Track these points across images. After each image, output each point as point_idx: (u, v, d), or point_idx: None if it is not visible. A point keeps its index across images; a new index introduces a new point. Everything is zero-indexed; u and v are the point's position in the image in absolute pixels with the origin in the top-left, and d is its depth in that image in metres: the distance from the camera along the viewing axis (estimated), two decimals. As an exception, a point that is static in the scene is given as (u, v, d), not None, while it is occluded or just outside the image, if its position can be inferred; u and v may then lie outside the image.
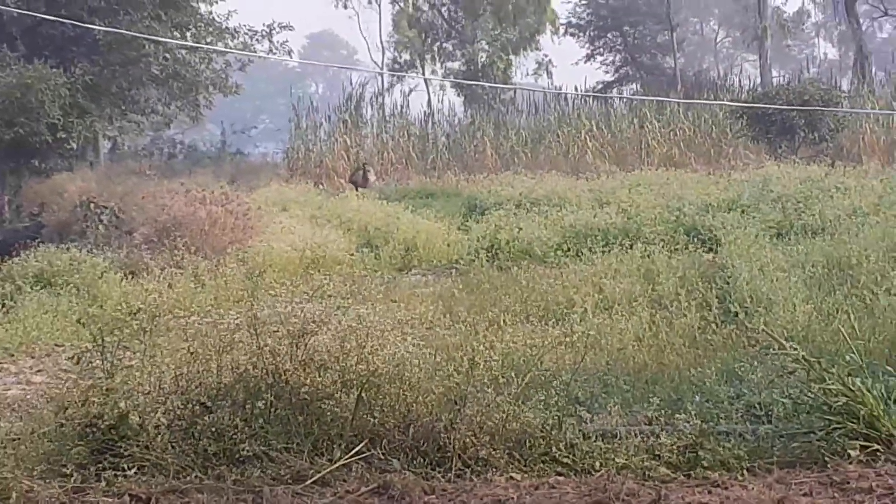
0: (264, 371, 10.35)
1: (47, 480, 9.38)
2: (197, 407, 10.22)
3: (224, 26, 42.34)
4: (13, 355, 16.60)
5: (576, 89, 63.43)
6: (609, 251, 22.14)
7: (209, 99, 43.53)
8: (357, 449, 9.68)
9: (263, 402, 10.10)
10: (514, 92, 62.07)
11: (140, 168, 40.35)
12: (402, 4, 72.10)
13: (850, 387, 9.84)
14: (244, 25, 44.03)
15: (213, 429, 9.90)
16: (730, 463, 9.60)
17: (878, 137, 53.46)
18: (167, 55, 39.27)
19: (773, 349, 11.59)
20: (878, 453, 9.53)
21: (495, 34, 68.28)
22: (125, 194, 30.96)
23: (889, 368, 10.82)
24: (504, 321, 14.85)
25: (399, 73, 70.48)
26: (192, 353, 10.88)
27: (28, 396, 12.75)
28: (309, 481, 9.25)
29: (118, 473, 9.53)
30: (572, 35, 76.84)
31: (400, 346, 10.84)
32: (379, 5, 74.21)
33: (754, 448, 9.84)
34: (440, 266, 25.39)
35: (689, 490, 8.98)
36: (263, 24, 45.38)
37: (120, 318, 14.67)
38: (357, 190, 41.09)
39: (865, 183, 33.72)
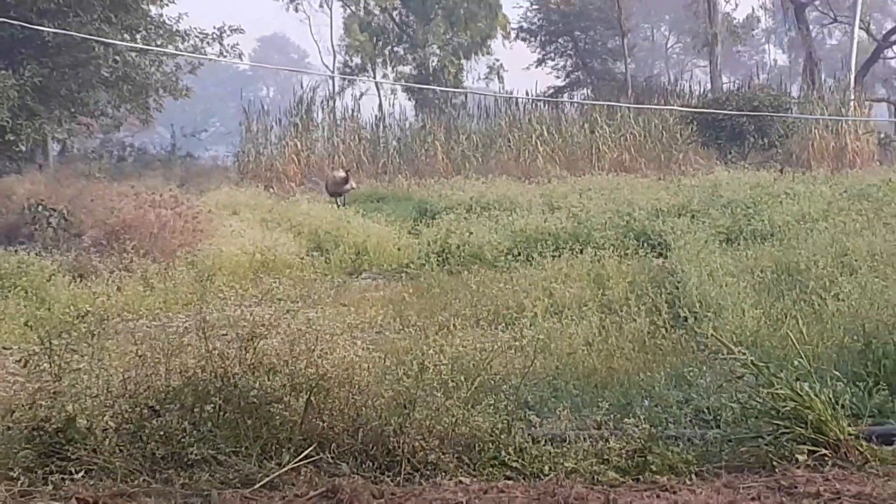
0: (213, 375, 10.33)
1: (-7, 484, 9.35)
2: (145, 410, 10.20)
3: (174, 29, 42.28)
4: (-40, 358, 16.53)
5: (527, 94, 63.55)
6: (559, 256, 22.20)
7: (159, 102, 43.44)
8: (306, 453, 9.67)
9: (212, 405, 10.07)
10: (466, 96, 62.15)
11: (89, 171, 40.17)
12: (353, 8, 72.02)
13: (799, 392, 9.89)
14: (195, 28, 44.04)
15: (162, 432, 9.88)
16: (678, 467, 9.64)
17: (828, 143, 53.76)
18: (117, 58, 39.14)
19: (722, 354, 11.66)
20: (826, 458, 9.59)
21: (447, 38, 68.34)
22: (74, 197, 30.82)
23: (837, 373, 10.88)
24: (454, 325, 14.85)
25: (350, 77, 70.43)
26: (140, 357, 10.85)
27: (-26, 400, 12.66)
28: (257, 485, 9.25)
29: (65, 477, 9.50)
30: (523, 40, 76.98)
31: (349, 349, 10.82)
32: (330, 9, 74.36)
33: (703, 452, 9.89)
34: (390, 270, 25.37)
35: (637, 494, 9.01)
36: (214, 27, 45.43)
37: (68, 322, 14.64)
38: (337, 201, 39.65)
39: (814, 189, 33.92)
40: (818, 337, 12.91)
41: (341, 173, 41.20)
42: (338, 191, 39.95)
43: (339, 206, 36.99)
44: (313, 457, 9.66)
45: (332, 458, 9.72)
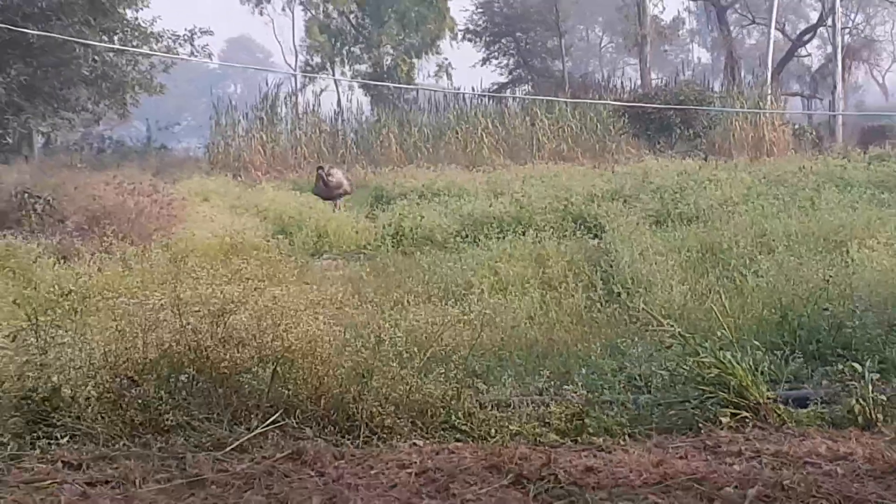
0: (187, 347, 10.30)
1: (-16, 449, 9.31)
2: (124, 381, 10.16)
3: (149, 31, 42.13)
4: (-48, 334, 16.43)
5: (473, 90, 63.50)
6: (503, 237, 22.20)
7: (135, 98, 43.29)
8: (273, 419, 9.66)
9: (186, 375, 10.06)
10: (417, 92, 62.09)
11: (71, 161, 39.96)
12: (313, 12, 71.79)
13: (722, 360, 9.94)
14: (167, 30, 43.87)
15: (140, 401, 9.85)
16: (613, 429, 9.67)
17: (747, 134, 54.03)
18: (96, 57, 39.03)
19: (652, 326, 11.68)
20: (747, 420, 9.64)
21: (399, 39, 68.27)
22: (58, 186, 30.64)
23: (756, 343, 10.96)
24: (408, 301, 14.87)
25: (311, 75, 70.23)
26: (119, 332, 10.80)
27: (-34, 372, 12.59)
28: (228, 448, 9.22)
29: (52, 442, 9.47)
30: (469, 40, 76.89)
31: (312, 324, 10.80)
32: (292, 12, 74.00)
33: (635, 416, 9.92)
34: (349, 251, 25.34)
35: (576, 454, 9.03)
36: (185, 29, 45.29)
37: (53, 300, 14.57)
38: (335, 205, 34.01)
39: (735, 175, 34.13)
40: (739, 310, 12.98)
41: (334, 177, 35.33)
42: (329, 195, 34.63)
43: (334, 210, 32.59)
44: (280, 422, 9.65)
45: (296, 423, 9.71)
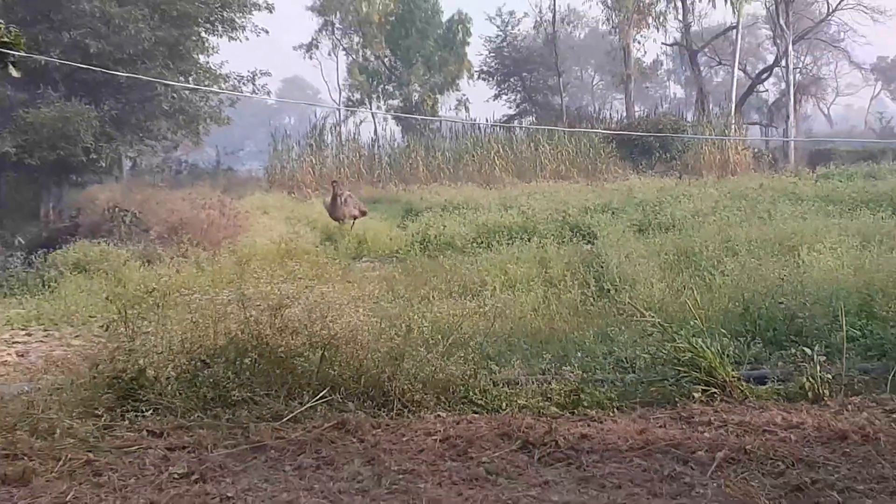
0: (250, 335, 10.32)
1: (84, 420, 9.33)
2: (198, 363, 10.18)
3: (218, 72, 42.13)
4: (57, 325, 16.47)
5: (487, 121, 63.38)
6: (512, 243, 22.18)
7: (207, 128, 43.29)
8: (321, 395, 9.67)
9: (249, 359, 10.08)
10: (440, 123, 62.01)
11: (154, 181, 40.11)
12: (354, 56, 71.79)
13: (694, 345, 9.93)
14: (233, 72, 43.87)
15: (211, 380, 9.88)
16: (604, 403, 9.66)
17: (715, 157, 53.84)
18: (174, 95, 39.09)
19: (636, 317, 11.66)
20: (715, 395, 9.64)
21: (425, 79, 68.22)
22: (143, 201, 30.74)
23: (723, 331, 10.97)
24: (433, 297, 14.90)
25: (352, 108, 70.24)
26: (194, 322, 10.83)
27: (68, 356, 12.62)
28: (284, 419, 9.24)
29: (138, 414, 9.50)
30: (484, 79, 76.69)
31: (354, 316, 10.81)
32: (336, 57, 73.88)
33: (622, 392, 9.91)
34: (384, 255, 25.32)
35: (573, 423, 9.03)
36: (248, 71, 45.23)
37: (139, 296, 14.63)
38: (344, 222, 29.47)
39: (705, 191, 34.04)
40: (709, 303, 12.94)
41: (345, 198, 29.94)
42: (334, 213, 29.68)
43: (346, 236, 27.92)
44: (327, 398, 9.66)
45: (341, 398, 9.71)
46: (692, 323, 10.94)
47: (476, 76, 75.26)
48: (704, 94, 67.21)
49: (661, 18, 68.70)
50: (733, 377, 9.84)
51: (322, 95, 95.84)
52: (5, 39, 11.23)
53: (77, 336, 15.31)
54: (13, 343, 15.14)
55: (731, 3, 63.45)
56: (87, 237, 25.57)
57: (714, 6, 74.70)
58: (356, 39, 71.76)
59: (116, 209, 28.69)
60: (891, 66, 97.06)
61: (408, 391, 9.74)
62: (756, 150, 58.53)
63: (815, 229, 20.23)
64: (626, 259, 17.73)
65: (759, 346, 11.26)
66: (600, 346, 11.73)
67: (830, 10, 68.98)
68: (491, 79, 77.69)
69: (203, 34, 40.81)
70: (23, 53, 12.41)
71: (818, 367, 9.74)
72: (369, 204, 37.11)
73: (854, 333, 11.33)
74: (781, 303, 12.27)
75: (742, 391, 9.73)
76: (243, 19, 42.82)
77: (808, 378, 9.69)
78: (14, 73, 11.90)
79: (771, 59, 76.44)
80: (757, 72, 76.73)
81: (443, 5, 69.87)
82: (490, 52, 77.83)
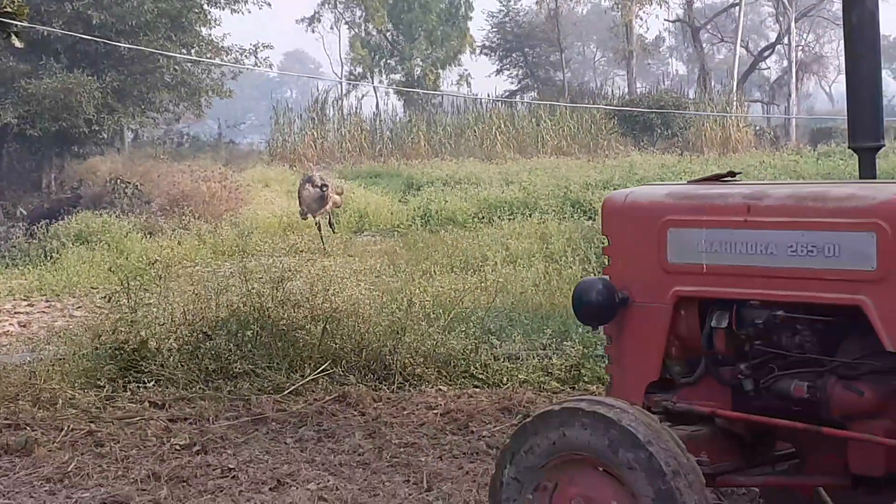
0: (252, 308, 10.35)
1: (85, 391, 9.37)
2: (200, 335, 10.21)
3: (220, 45, 42.00)
4: (59, 295, 16.51)
5: (488, 96, 63.33)
6: (513, 219, 22.20)
7: (209, 101, 43.16)
8: (322, 368, 9.70)
9: (251, 331, 10.10)
10: (442, 98, 61.85)
11: (155, 154, 40.10)
12: (356, 30, 71.66)
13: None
14: (235, 45, 43.75)
15: (213, 352, 9.91)
16: (604, 379, 9.66)
17: (716, 134, 53.68)
18: (176, 67, 39.00)
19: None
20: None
21: (427, 53, 68.11)
22: (144, 173, 30.80)
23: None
24: (434, 271, 14.92)
25: (354, 82, 70.19)
26: (196, 294, 10.88)
27: (70, 327, 12.65)
28: (286, 392, 9.27)
29: (140, 385, 9.53)
30: (486, 54, 76.56)
31: (355, 289, 10.86)
32: (339, 31, 73.74)
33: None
34: (385, 229, 25.34)
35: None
36: (250, 44, 45.10)
37: (141, 268, 14.66)
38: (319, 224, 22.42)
39: (706, 168, 33.95)
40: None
41: (315, 186, 22.45)
42: (312, 209, 22.48)
43: (322, 240, 21.19)
44: (328, 371, 9.69)
45: (342, 371, 9.74)
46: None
47: (478, 51, 75.20)
48: (706, 71, 67.18)
49: (664, -6, 68.55)
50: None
51: (324, 69, 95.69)
52: (8, 9, 11.20)
53: (79, 307, 15.34)
54: (15, 313, 15.18)
55: (734, -20, 63.37)
56: (89, 208, 25.64)
57: (717, -17, 74.60)
58: (358, 13, 71.66)
59: (118, 181, 28.73)
60: (893, 46, 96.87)
61: (409, 365, 9.76)
62: (757, 127, 58.51)
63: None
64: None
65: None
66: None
67: (833, -12, 68.87)
68: (493, 54, 77.61)
69: (205, 6, 40.67)
70: (25, 24, 12.39)
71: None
72: (370, 178, 37.15)
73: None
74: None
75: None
76: (246, -9, 42.79)
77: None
78: (17, 43, 11.88)
79: (773, 36, 76.55)
80: (759, 49, 76.74)
81: (445, -20, 69.60)
82: (492, 27, 77.79)
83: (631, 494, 4.40)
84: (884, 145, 5.82)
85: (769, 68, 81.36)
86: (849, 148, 5.80)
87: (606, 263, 5.40)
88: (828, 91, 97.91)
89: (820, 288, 4.58)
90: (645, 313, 5.19)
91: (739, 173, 5.42)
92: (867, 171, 5.71)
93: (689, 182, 5.54)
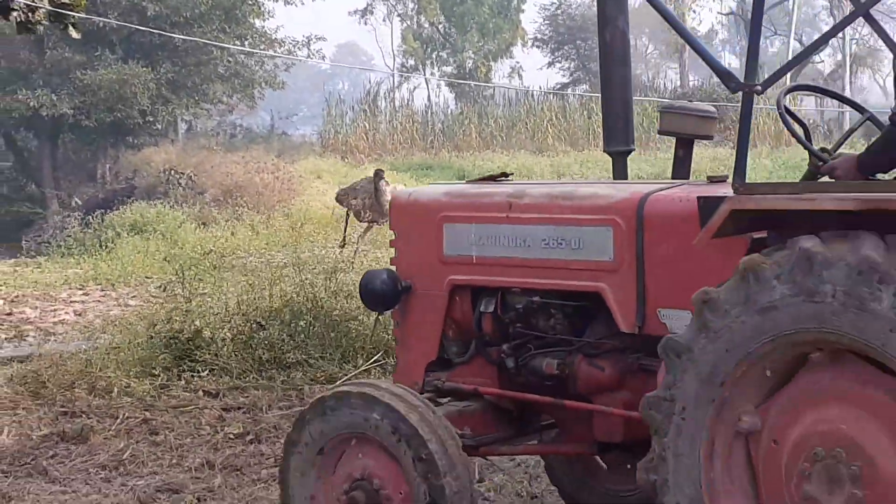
0: (305, 298, 10.38)
1: (140, 379, 9.44)
2: (254, 325, 10.26)
3: (273, 37, 42.17)
4: (114, 285, 16.61)
5: (540, 88, 63.11)
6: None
7: (262, 92, 43.32)
8: (375, 358, 9.71)
9: (304, 322, 10.14)
10: (494, 90, 61.75)
11: (209, 145, 40.24)
12: (408, 22, 71.68)
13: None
14: (289, 37, 43.88)
15: (266, 342, 9.95)
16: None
17: (769, 127, 53.36)
18: (230, 59, 39.17)
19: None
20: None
21: (479, 46, 67.99)
22: (198, 164, 30.92)
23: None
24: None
25: (406, 75, 70.18)
26: (250, 285, 10.93)
27: (125, 316, 12.73)
28: (339, 382, 9.27)
29: (194, 375, 9.59)
30: (537, 47, 76.29)
31: (408, 280, 10.84)
32: (391, 22, 73.81)
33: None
34: (437, 220, 25.30)
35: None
36: (303, 36, 45.24)
37: (195, 258, 14.72)
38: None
39: (759, 162, 33.87)
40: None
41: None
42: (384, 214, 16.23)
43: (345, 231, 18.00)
44: (380, 361, 9.69)
45: (394, 362, 9.74)
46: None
47: (530, 43, 74.94)
48: (759, 65, 66.58)
49: (718, -13, 68.13)
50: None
51: (376, 61, 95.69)
52: (66, 1, 11.28)
53: (133, 296, 15.42)
54: (71, 302, 15.29)
55: (789, -27, 62.87)
56: (144, 199, 25.79)
57: (771, -25, 74.03)
58: (411, 5, 71.62)
59: (172, 171, 28.90)
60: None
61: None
62: (810, 121, 58.02)
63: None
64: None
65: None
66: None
67: (889, -19, 68.14)
68: (545, 46, 77.29)
69: (259, -2, 40.84)
70: (82, 15, 12.47)
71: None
72: (422, 170, 37.16)
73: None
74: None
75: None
76: (300, -16, 42.94)
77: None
78: (74, 34, 11.98)
79: (827, 29, 75.80)
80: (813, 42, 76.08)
81: (498, -28, 69.46)
82: (544, 20, 77.44)
83: (398, 463, 4.99)
84: (633, 149, 7.33)
85: (823, 61, 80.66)
86: (603, 152, 6.97)
87: (394, 255, 5.96)
88: (882, 84, 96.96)
89: (568, 276, 5.29)
90: (425, 300, 5.81)
91: (511, 174, 6.12)
92: (619, 172, 7.16)
93: (467, 182, 6.34)
